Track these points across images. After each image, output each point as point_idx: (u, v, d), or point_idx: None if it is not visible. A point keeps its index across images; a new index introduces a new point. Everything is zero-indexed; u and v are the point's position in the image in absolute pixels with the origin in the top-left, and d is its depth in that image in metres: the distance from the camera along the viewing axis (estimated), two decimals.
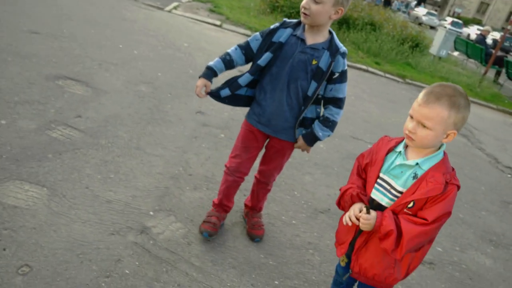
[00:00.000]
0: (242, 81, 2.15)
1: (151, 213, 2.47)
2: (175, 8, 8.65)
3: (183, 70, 5.11)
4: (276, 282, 2.25)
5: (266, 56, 2.07)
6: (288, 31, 2.07)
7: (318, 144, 4.07)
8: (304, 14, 1.97)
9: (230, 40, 7.44)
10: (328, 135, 2.17)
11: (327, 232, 2.79)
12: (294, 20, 2.13)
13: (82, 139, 3.00)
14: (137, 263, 2.09)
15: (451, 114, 1.41)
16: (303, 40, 2.04)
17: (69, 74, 3.96)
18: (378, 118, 5.72)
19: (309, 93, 2.07)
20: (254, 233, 2.49)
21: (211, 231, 2.36)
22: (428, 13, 35.65)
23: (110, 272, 2.00)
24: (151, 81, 4.44)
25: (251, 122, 2.25)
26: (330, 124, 2.13)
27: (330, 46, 2.03)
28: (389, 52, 9.94)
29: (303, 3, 1.97)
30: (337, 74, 2.06)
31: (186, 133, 3.53)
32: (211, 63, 2.18)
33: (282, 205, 2.94)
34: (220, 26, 8.33)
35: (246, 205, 2.62)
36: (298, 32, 2.05)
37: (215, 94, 2.21)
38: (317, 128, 2.13)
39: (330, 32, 2.08)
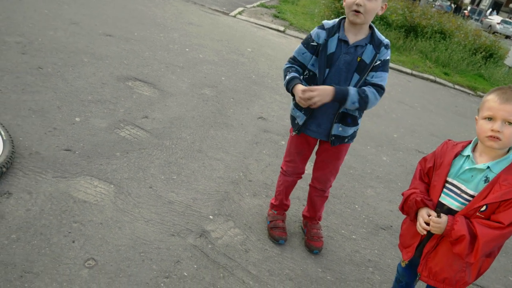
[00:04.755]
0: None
1: (211, 217, 2.47)
2: (240, 13, 8.78)
3: (246, 75, 5.14)
4: None
5: (316, 64, 2.03)
6: (335, 37, 1.99)
7: (381, 157, 3.91)
8: (357, 12, 1.88)
9: (293, 46, 7.39)
10: (354, 106, 1.96)
11: (388, 250, 2.64)
12: (332, 22, 2.04)
13: (148, 139, 3.09)
14: (195, 266, 2.09)
15: None
16: (345, 42, 1.97)
17: (138, 76, 4.13)
18: (445, 131, 5.37)
19: (351, 85, 2.00)
20: (313, 245, 2.42)
21: (285, 236, 2.43)
22: (503, 21, 33.28)
23: (169, 273, 2.01)
24: (215, 85, 4.51)
25: (302, 131, 2.21)
26: (363, 96, 1.95)
27: (372, 39, 1.97)
28: (460, 62, 9.36)
29: (357, 0, 1.87)
30: (379, 62, 1.97)
31: (247, 138, 3.53)
32: (294, 75, 2.06)
33: (342, 218, 2.82)
34: (283, 32, 8.32)
35: (304, 216, 2.56)
36: (340, 34, 1.98)
37: None
38: (352, 90, 1.96)
39: (370, 27, 2.01)
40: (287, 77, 2.05)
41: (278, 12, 9.92)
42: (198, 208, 2.52)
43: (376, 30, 2.01)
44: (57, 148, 2.67)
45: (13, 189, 2.24)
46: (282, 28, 8.50)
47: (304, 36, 8.37)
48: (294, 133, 2.25)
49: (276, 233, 2.41)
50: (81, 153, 2.70)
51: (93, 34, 4.96)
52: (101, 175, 2.55)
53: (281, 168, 2.44)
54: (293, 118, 2.23)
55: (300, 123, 2.16)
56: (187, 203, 2.53)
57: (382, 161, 3.84)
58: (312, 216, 2.50)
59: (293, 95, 2.03)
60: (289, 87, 2.02)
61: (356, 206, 3.01)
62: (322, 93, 1.90)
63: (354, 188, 3.24)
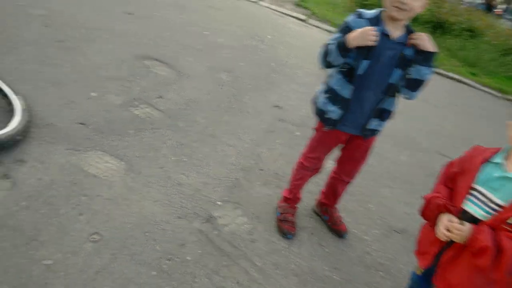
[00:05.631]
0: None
1: (219, 203, 2.44)
2: None
3: (265, 62, 5.06)
4: None
5: (353, 56, 1.91)
6: (378, 29, 1.87)
7: (400, 157, 3.80)
8: (400, 8, 1.79)
9: (315, 35, 7.27)
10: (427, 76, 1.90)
11: (401, 255, 2.55)
12: (372, 13, 1.93)
13: (162, 119, 3.06)
14: (199, 251, 2.07)
15: None
16: (387, 35, 1.87)
17: (156, 55, 4.08)
18: (470, 134, 5.20)
19: (392, 80, 1.93)
20: (341, 229, 2.47)
21: (293, 232, 2.38)
22: None
23: (172, 256, 1.99)
24: (232, 70, 4.45)
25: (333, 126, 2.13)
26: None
27: (411, 34, 1.90)
28: (489, 63, 9.02)
29: None
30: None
31: (262, 126, 3.47)
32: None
33: (354, 216, 2.75)
34: (304, 21, 8.17)
35: (323, 203, 2.54)
36: (381, 27, 1.88)
37: None
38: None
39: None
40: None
41: (301, 1, 9.73)
42: (207, 193, 2.48)
43: (410, 25, 1.93)
44: (72, 121, 2.67)
45: (26, 157, 2.24)
46: (303, 17, 8.34)
47: (326, 26, 8.21)
48: (327, 129, 2.13)
49: (285, 227, 2.37)
50: (94, 128, 2.68)
51: (114, 11, 4.93)
52: (113, 151, 2.54)
53: (301, 163, 2.35)
54: (322, 113, 2.10)
55: (336, 118, 2.06)
56: (196, 187, 2.50)
57: (400, 161, 3.75)
58: (333, 203, 2.51)
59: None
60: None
61: (371, 205, 2.94)
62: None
63: (370, 186, 3.15)
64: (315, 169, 2.34)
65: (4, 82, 2.53)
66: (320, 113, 2.12)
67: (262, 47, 5.67)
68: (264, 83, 4.37)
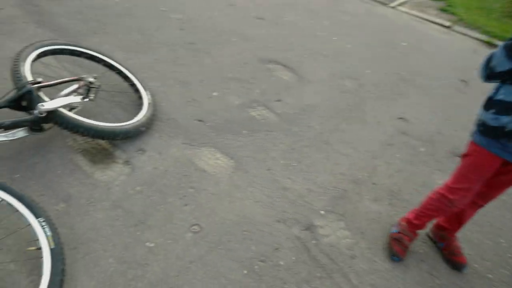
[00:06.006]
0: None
1: (322, 212, 2.33)
2: (401, 4, 8.12)
3: (394, 71, 4.72)
4: None
5: None
6: None
7: None
8: None
9: (458, 44, 6.53)
10: None
11: None
12: None
13: (277, 122, 3.07)
14: (293, 258, 2.00)
15: None
16: None
17: (280, 59, 4.14)
18: None
19: None
20: (460, 261, 2.16)
21: (402, 256, 2.14)
22: None
23: (266, 258, 1.97)
24: (357, 77, 4.25)
25: (495, 152, 1.79)
26: None
27: None
28: None
29: None
30: None
31: (381, 138, 3.22)
32: None
33: (478, 250, 2.35)
34: (448, 27, 7.41)
35: (442, 227, 2.25)
36: None
37: None
38: None
39: None
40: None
41: (447, 6, 8.85)
42: (311, 200, 2.40)
43: None
44: (192, 117, 2.86)
45: (147, 147, 2.47)
46: (447, 23, 7.57)
47: (474, 34, 7.30)
48: (493, 151, 1.79)
49: (397, 248, 2.14)
50: (211, 125, 2.83)
51: (245, 16, 5.17)
52: (225, 149, 2.63)
53: (443, 195, 2.01)
54: (497, 130, 1.73)
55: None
56: (300, 193, 2.44)
57: None
58: (454, 229, 2.21)
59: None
60: None
61: (502, 240, 2.48)
62: None
63: (504, 218, 2.67)
64: (461, 204, 1.99)
65: (137, 78, 2.84)
66: (495, 131, 1.75)
67: (394, 54, 5.30)
68: (391, 93, 4.07)
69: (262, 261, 1.95)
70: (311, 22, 5.69)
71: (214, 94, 3.23)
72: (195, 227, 2.03)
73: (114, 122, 2.38)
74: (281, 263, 1.96)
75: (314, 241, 2.12)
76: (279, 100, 3.38)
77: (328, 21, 5.95)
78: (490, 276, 2.20)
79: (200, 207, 2.15)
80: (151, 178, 2.25)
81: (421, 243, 2.28)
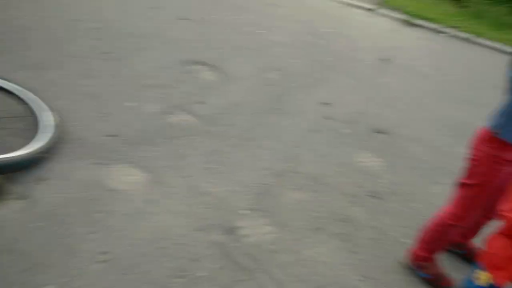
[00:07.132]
0: None
1: (245, 212, 2.26)
2: None
3: (319, 58, 4.75)
4: None
5: None
6: None
7: (459, 149, 3.22)
8: None
9: (380, 25, 6.71)
10: None
11: (454, 262, 2.13)
12: None
13: (198, 126, 2.96)
14: (213, 266, 1.90)
15: None
16: None
17: (204, 59, 4.00)
18: None
19: None
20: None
21: (451, 285, 2.04)
22: None
23: (184, 273, 1.85)
24: (283, 68, 4.23)
25: None
26: None
27: None
28: None
29: None
30: None
31: (304, 125, 3.20)
32: None
33: (395, 218, 2.37)
34: (372, 10, 7.60)
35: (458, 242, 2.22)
36: None
37: None
38: None
39: None
40: None
41: None
42: (234, 202, 2.31)
43: None
44: (103, 133, 2.67)
45: (50, 174, 2.25)
46: (371, 7, 7.77)
47: (397, 15, 7.52)
48: None
49: (445, 284, 2.04)
50: (125, 139, 2.67)
51: (169, 18, 4.93)
52: (139, 163, 2.48)
53: (449, 225, 1.94)
54: None
55: None
56: (222, 196, 2.34)
57: (458, 153, 3.19)
58: (469, 240, 2.20)
59: None
60: None
61: (414, 205, 2.52)
62: None
63: (416, 184, 2.71)
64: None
65: (39, 98, 2.59)
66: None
67: (320, 42, 5.35)
68: (313, 80, 4.08)
69: (180, 277, 1.84)
70: (238, 17, 5.59)
71: (129, 104, 3.05)
72: (104, 255, 1.88)
73: (3, 153, 2.15)
74: (202, 274, 1.86)
75: (235, 244, 2.03)
76: (201, 102, 3.27)
77: (254, 15, 5.90)
78: (404, 240, 2.23)
79: (109, 232, 1.99)
80: (52, 210, 2.05)
81: (343, 224, 2.26)
